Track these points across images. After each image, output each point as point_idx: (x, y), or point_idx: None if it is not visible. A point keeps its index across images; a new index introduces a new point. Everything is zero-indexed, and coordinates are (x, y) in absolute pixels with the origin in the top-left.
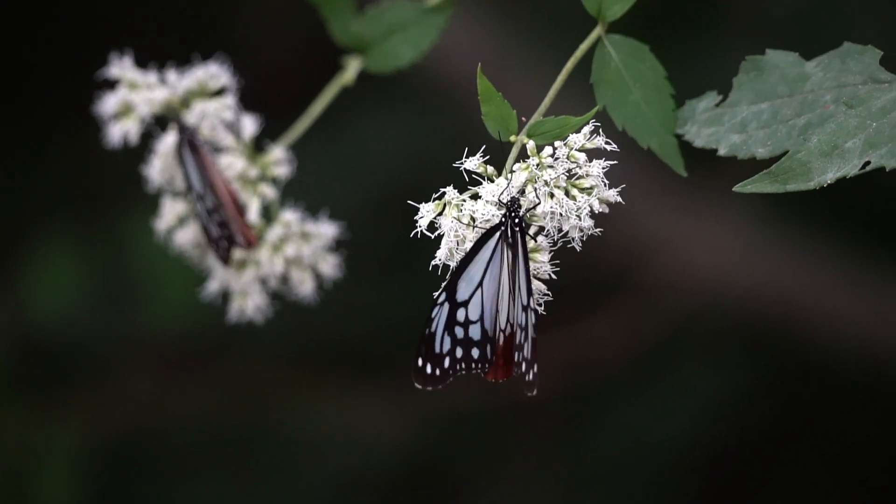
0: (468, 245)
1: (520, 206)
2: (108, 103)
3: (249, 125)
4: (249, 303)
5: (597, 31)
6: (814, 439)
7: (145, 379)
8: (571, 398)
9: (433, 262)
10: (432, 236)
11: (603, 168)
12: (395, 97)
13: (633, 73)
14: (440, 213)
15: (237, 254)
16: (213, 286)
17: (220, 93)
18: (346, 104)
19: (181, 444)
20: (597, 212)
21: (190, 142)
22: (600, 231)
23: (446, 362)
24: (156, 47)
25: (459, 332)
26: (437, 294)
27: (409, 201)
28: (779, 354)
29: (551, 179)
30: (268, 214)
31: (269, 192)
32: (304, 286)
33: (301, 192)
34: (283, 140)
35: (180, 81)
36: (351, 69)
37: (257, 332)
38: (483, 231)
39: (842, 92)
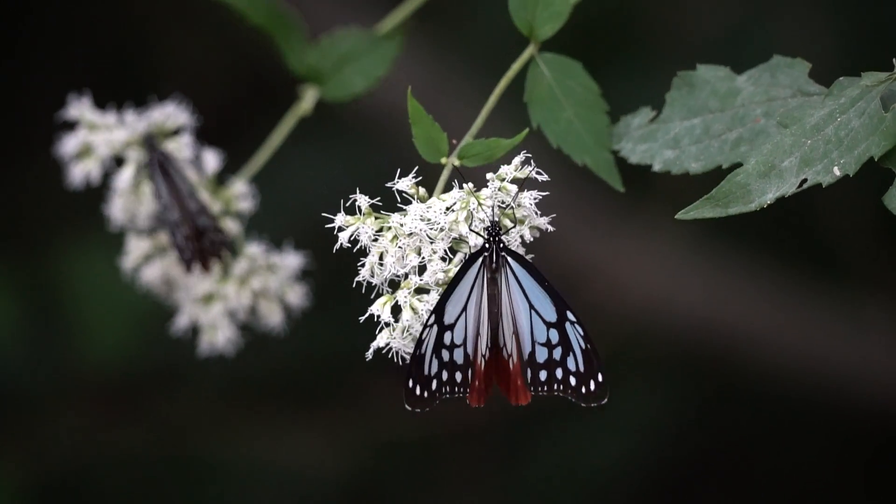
0: (389, 260)
1: (501, 230)
2: (69, 144)
3: (212, 160)
4: (220, 336)
5: (529, 51)
6: (750, 462)
7: (79, 417)
8: (508, 424)
9: (356, 279)
10: (354, 250)
11: (534, 199)
12: (333, 132)
13: (566, 90)
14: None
15: (204, 285)
16: (182, 321)
17: (177, 132)
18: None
19: (115, 482)
20: (528, 241)
21: (160, 164)
22: (532, 257)
23: (433, 384)
24: (86, 77)
25: (446, 355)
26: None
27: (323, 213)
28: (716, 377)
29: (485, 218)
30: (232, 248)
31: (234, 226)
32: (273, 317)
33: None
34: (243, 173)
35: (138, 122)
36: (308, 99)
37: (191, 368)
38: (467, 255)
39: (772, 105)
